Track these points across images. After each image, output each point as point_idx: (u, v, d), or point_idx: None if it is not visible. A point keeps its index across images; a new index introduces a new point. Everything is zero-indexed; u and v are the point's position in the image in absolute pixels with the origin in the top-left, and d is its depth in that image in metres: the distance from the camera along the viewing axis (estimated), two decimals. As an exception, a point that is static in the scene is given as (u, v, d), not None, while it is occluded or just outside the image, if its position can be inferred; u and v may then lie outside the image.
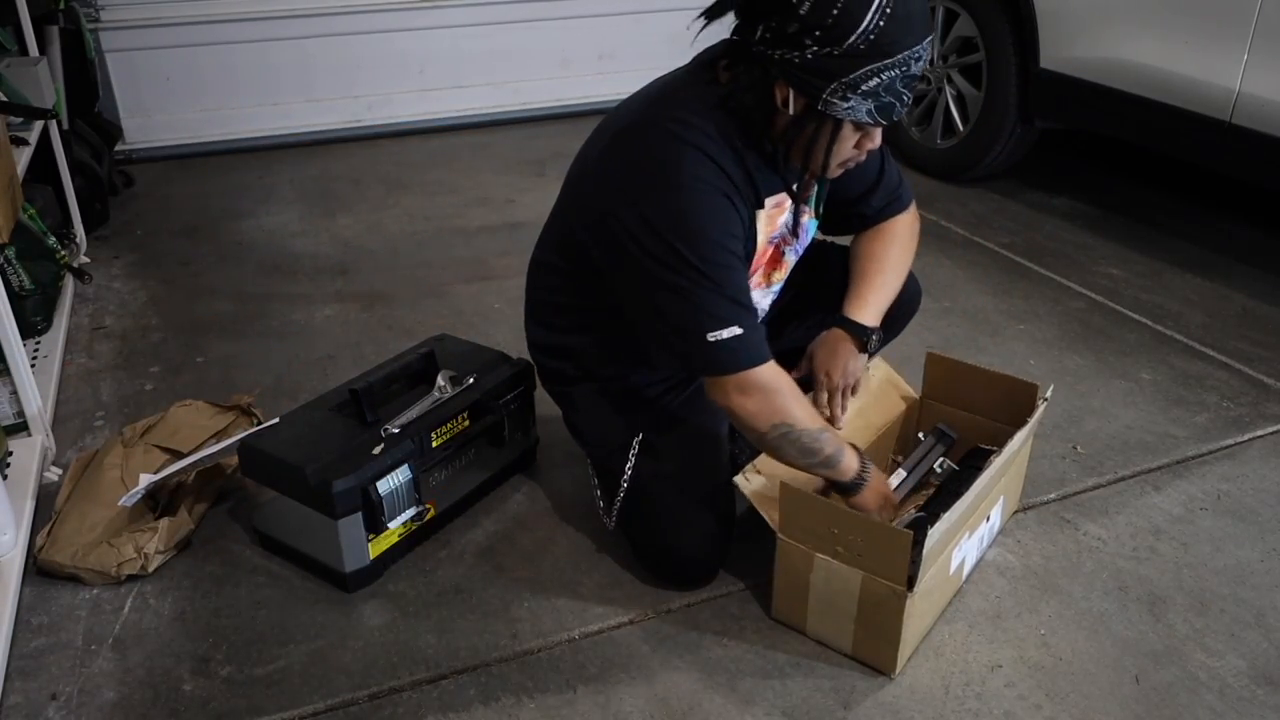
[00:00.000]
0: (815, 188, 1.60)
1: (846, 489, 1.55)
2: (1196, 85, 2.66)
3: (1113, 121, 2.99)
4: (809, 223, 1.64)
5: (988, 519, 1.67)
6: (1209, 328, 2.53)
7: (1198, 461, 2.01)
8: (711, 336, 1.40)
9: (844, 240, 1.76)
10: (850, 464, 1.52)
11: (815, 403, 1.68)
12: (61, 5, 3.08)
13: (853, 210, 1.69)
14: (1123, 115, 2.90)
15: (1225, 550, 1.77)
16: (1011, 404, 1.74)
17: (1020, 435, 1.63)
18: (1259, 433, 2.10)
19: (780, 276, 1.65)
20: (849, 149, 1.41)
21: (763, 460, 1.62)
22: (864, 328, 1.65)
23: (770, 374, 1.45)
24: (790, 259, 1.64)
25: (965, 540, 1.58)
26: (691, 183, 1.38)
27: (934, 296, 2.70)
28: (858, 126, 1.37)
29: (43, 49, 2.92)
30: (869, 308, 1.66)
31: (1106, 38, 2.89)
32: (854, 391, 1.70)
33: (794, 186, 1.53)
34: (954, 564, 1.57)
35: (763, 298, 1.64)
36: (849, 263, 1.71)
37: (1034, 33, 3.07)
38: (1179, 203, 3.33)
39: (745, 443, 1.93)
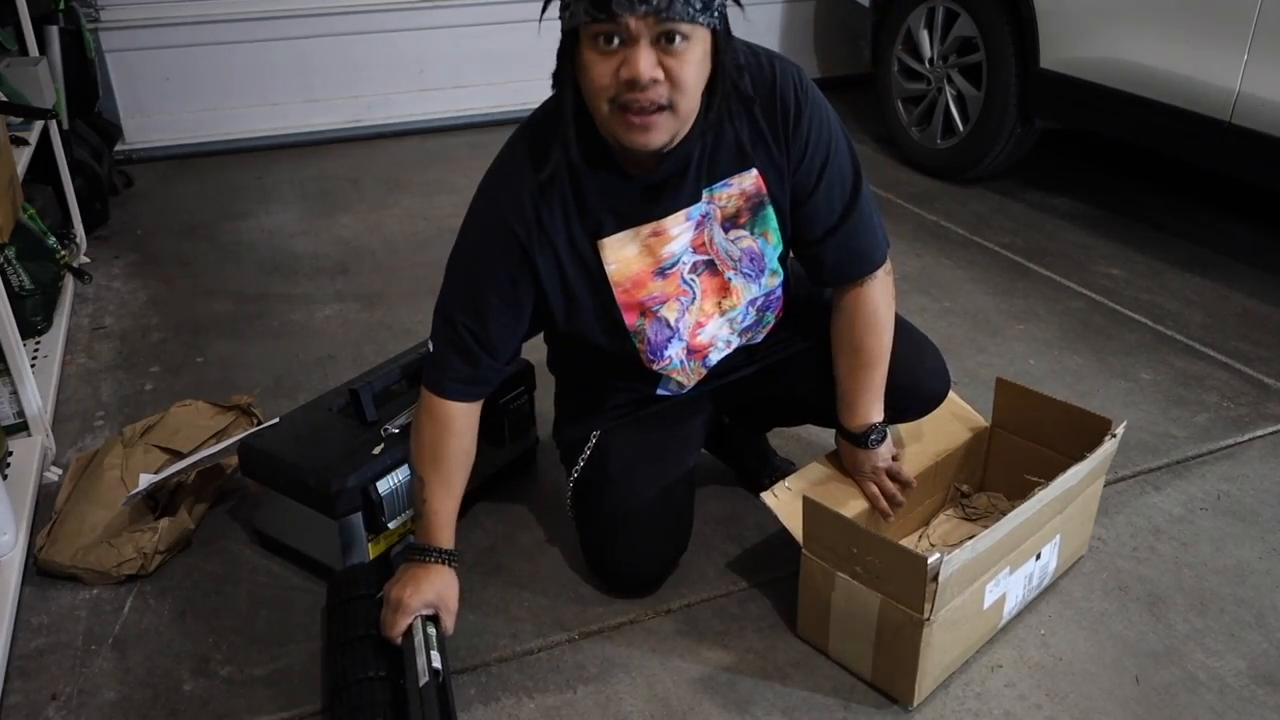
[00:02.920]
0: (754, 212, 1.44)
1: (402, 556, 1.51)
2: (1196, 85, 2.66)
3: (1113, 121, 2.99)
4: (762, 246, 1.48)
5: (1037, 557, 1.55)
6: (1209, 328, 2.53)
7: (1198, 461, 2.01)
8: (430, 342, 1.48)
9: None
10: (425, 537, 1.48)
11: (866, 495, 1.63)
12: (61, 5, 3.08)
13: (810, 254, 1.52)
14: (1123, 115, 2.90)
15: (1225, 550, 1.77)
16: (1081, 438, 1.59)
17: (1077, 470, 1.51)
18: (1259, 433, 2.10)
19: (734, 303, 1.50)
20: (605, 77, 1.22)
21: (794, 477, 1.60)
22: (858, 436, 1.58)
23: (437, 406, 1.46)
24: (739, 283, 1.48)
25: (1005, 576, 1.48)
26: (479, 202, 1.46)
27: (934, 296, 2.70)
28: (594, 40, 1.21)
29: (43, 49, 2.92)
30: (858, 410, 1.58)
31: (1106, 38, 2.89)
32: (899, 480, 1.62)
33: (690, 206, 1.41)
34: (988, 599, 1.47)
35: (719, 328, 1.51)
36: (832, 353, 1.59)
37: (1034, 33, 3.07)
38: (1179, 203, 3.33)
39: (770, 462, 1.91)
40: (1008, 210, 3.29)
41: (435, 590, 1.43)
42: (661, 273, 1.45)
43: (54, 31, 3.04)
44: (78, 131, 3.13)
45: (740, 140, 1.40)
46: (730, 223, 1.45)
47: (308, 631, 1.59)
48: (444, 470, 1.47)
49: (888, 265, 1.54)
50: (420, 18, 3.95)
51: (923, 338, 1.66)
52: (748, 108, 1.38)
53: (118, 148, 3.65)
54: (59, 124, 2.86)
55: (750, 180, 1.42)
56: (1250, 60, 2.53)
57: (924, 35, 3.47)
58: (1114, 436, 1.58)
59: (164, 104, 3.76)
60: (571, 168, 1.37)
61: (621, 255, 1.42)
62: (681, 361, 1.52)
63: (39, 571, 1.69)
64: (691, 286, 1.47)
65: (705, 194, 1.42)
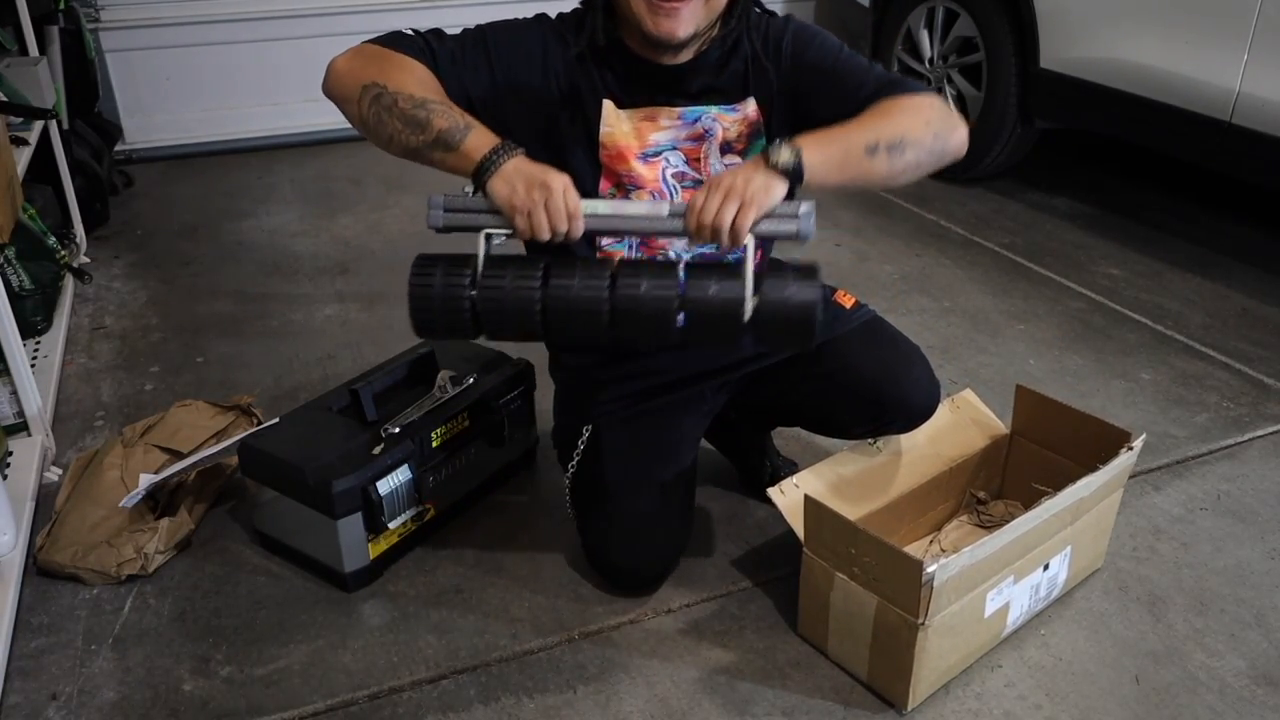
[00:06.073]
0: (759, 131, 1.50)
1: (478, 176, 1.30)
2: (1196, 85, 2.66)
3: (1113, 121, 2.99)
4: None
5: (1045, 567, 1.52)
6: (1209, 328, 2.53)
7: (1198, 461, 2.01)
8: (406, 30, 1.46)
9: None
10: (477, 144, 1.30)
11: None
12: (61, 5, 3.08)
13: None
14: (1123, 115, 2.90)
15: (1225, 550, 1.77)
16: (1101, 449, 1.57)
17: (1089, 481, 1.48)
18: (1259, 433, 2.10)
19: None
20: None
21: (802, 475, 1.59)
22: (777, 143, 1.31)
23: (404, 56, 1.39)
24: None
25: (1008, 585, 1.46)
26: (523, 19, 1.50)
27: (934, 296, 2.70)
28: None
29: (43, 49, 2.92)
30: (810, 138, 1.33)
31: (1106, 38, 2.89)
32: (750, 205, 1.28)
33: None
34: (990, 607, 1.45)
35: (680, 242, 1.54)
36: None
37: (1034, 33, 3.07)
38: (1179, 203, 3.33)
39: (772, 461, 1.90)
40: (1007, 210, 3.29)
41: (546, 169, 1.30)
42: (644, 157, 1.51)
43: (54, 31, 3.05)
44: (78, 131, 3.13)
45: (745, 72, 1.50)
46: (728, 147, 1.52)
47: (307, 631, 1.59)
48: (443, 96, 1.37)
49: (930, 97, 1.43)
50: (421, 18, 3.93)
51: (913, 349, 1.62)
52: (751, 40, 1.49)
53: (118, 148, 3.65)
54: (59, 124, 2.86)
55: (752, 108, 1.51)
56: (1250, 60, 2.53)
57: (924, 35, 3.47)
58: (1130, 449, 1.56)
59: (164, 104, 3.76)
60: (594, 48, 1.47)
61: (616, 124, 1.49)
62: (632, 245, 1.56)
63: (39, 571, 1.69)
64: (671, 194, 1.53)
65: (712, 110, 1.50)
